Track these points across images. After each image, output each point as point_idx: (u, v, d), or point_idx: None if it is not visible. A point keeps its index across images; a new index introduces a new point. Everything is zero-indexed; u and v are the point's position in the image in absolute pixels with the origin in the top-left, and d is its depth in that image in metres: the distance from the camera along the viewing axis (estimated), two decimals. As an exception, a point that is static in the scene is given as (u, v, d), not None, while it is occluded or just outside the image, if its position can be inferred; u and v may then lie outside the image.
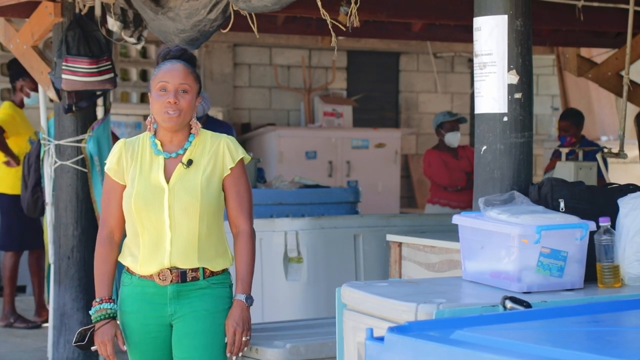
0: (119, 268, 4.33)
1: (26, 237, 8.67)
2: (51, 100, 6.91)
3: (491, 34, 4.40)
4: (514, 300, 3.53)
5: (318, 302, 6.39)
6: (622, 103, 6.12)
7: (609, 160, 6.90)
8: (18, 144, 8.68)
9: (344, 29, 5.12)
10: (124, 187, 4.23)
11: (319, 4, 4.75)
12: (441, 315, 3.52)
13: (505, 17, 4.38)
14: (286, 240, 6.40)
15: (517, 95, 4.41)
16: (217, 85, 11.82)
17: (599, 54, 9.99)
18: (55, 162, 6.74)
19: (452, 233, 4.66)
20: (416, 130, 12.81)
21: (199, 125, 4.27)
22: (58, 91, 6.66)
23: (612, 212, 4.12)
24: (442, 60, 13.04)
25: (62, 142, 6.73)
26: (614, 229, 4.07)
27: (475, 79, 4.49)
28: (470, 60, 12.66)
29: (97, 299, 4.23)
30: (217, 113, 11.21)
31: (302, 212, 7.25)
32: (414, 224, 6.59)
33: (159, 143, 4.24)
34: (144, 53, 11.71)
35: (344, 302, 4.05)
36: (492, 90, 4.42)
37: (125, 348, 4.26)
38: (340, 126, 11.94)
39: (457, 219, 4.18)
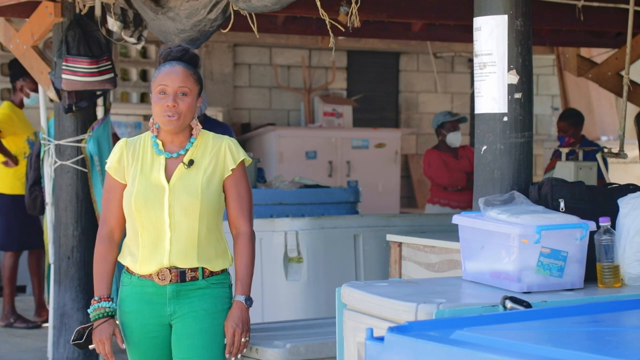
0: (118, 268, 4.34)
1: (26, 237, 8.67)
2: (51, 100, 6.91)
3: (491, 34, 4.40)
4: (514, 300, 3.53)
5: (318, 302, 6.39)
6: (622, 103, 6.12)
7: (609, 160, 6.90)
8: (15, 144, 8.68)
9: (344, 29, 5.12)
10: (125, 186, 4.24)
11: (318, 4, 4.75)
12: (441, 315, 3.52)
13: (505, 17, 4.38)
14: (286, 240, 6.40)
15: (517, 95, 4.40)
16: (217, 85, 11.81)
17: (599, 54, 10.00)
18: (55, 162, 6.74)
19: (452, 233, 4.66)
20: (416, 130, 12.80)
21: (200, 126, 4.27)
22: (58, 91, 6.66)
23: (612, 212, 4.12)
24: (442, 60, 13.04)
25: (62, 142, 6.73)
26: (614, 229, 4.07)
27: (475, 79, 4.49)
28: (470, 60, 12.66)
29: (96, 298, 4.23)
30: (217, 113, 11.20)
31: (302, 212, 7.25)
32: (414, 224, 6.58)
33: (160, 143, 4.25)
34: (144, 53, 11.71)
35: (344, 302, 4.05)
36: (492, 90, 4.42)
37: (124, 346, 4.26)
38: (340, 126, 11.93)
39: (457, 219, 4.18)
